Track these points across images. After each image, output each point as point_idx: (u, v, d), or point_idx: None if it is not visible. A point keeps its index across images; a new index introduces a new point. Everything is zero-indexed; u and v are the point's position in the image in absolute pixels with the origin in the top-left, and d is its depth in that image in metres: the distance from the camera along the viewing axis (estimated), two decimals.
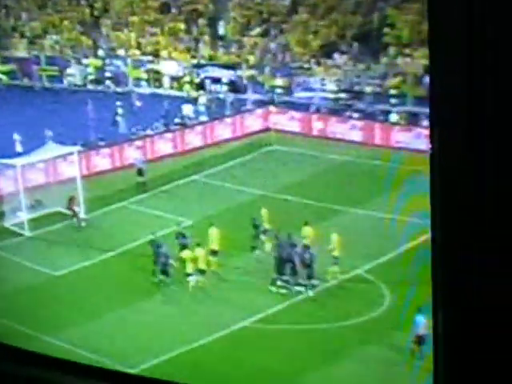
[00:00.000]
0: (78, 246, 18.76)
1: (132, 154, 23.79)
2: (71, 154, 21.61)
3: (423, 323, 13.15)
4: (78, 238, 19.26)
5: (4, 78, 30.68)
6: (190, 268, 16.38)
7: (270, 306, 15.45)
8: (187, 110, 26.54)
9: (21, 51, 31.74)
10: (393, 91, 26.51)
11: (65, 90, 29.59)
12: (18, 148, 23.92)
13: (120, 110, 26.48)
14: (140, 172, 22.36)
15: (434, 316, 3.68)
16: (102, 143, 24.53)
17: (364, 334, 14.39)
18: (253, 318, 15.18)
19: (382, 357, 13.66)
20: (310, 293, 15.74)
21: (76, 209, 20.22)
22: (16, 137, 24.15)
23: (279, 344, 14.46)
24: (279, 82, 28.00)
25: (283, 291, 15.91)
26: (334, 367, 13.63)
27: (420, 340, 13.18)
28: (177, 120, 26.16)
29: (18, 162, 20.74)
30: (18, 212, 20.28)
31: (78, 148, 22.08)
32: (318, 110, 26.28)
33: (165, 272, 16.67)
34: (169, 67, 29.51)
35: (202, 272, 16.47)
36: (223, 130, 25.46)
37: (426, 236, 16.21)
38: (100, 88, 29.75)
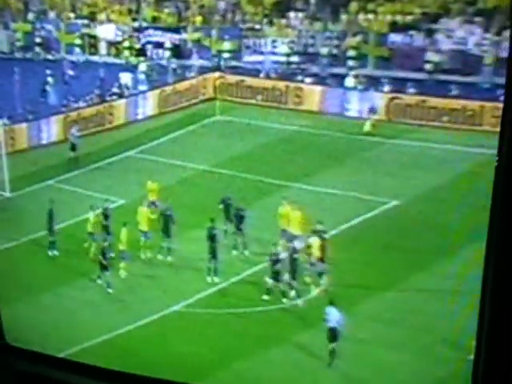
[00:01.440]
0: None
1: (63, 127, 24.10)
2: None
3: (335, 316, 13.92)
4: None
5: None
6: (119, 249, 17.12)
7: (201, 290, 16.06)
8: (125, 78, 26.71)
9: None
10: (351, 52, 26.92)
11: None
12: None
13: (50, 80, 26.50)
14: (73, 147, 22.76)
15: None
16: (30, 116, 24.58)
17: (300, 319, 15.10)
18: (183, 303, 15.86)
19: (318, 342, 14.20)
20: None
21: None
22: None
23: (210, 329, 15.14)
24: (227, 45, 28.44)
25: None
26: (268, 353, 14.26)
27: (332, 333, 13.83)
28: (114, 90, 26.35)
29: None
30: None
31: (3, 121, 22.32)
32: (268, 76, 26.79)
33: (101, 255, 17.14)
34: (106, 31, 29.46)
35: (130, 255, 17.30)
36: (164, 101, 25.83)
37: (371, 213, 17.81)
38: (28, 55, 29.58)
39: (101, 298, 16.35)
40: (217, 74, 26.55)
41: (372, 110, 23.45)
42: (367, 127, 22.77)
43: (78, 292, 16.49)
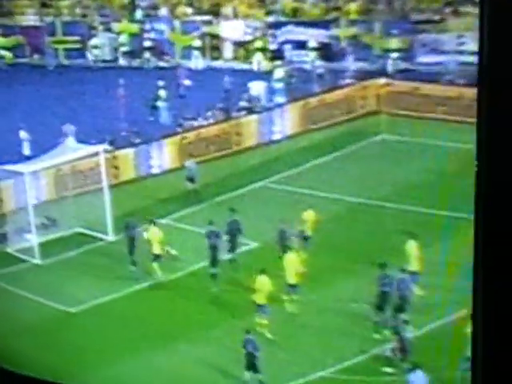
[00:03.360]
0: (101, 275, 21.10)
1: (178, 152, 25.90)
2: (95, 155, 23.59)
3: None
4: (102, 265, 21.65)
5: (7, 54, 33.14)
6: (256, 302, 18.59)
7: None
8: (257, 88, 28.05)
9: (29, 17, 34.35)
10: None
11: (88, 68, 31.82)
12: (26, 149, 26.40)
13: (162, 93, 28.32)
14: (190, 177, 24.41)
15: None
16: (137, 140, 26.56)
17: None
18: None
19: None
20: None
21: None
22: (23, 135, 26.63)
23: None
24: (395, 42, 29.66)
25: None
26: None
27: None
28: (242, 104, 27.73)
29: (25, 167, 22.72)
30: (26, 234, 22.65)
31: (104, 147, 24.17)
32: (451, 81, 27.57)
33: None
34: (232, 29, 31.14)
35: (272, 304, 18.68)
36: (308, 116, 26.84)
37: None
38: (136, 63, 31.64)
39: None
40: (381, 81, 27.57)
41: None
42: None
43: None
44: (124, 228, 21.73)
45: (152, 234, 20.91)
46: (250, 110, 27.79)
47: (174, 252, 20.94)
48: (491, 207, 5.69)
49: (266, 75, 28.88)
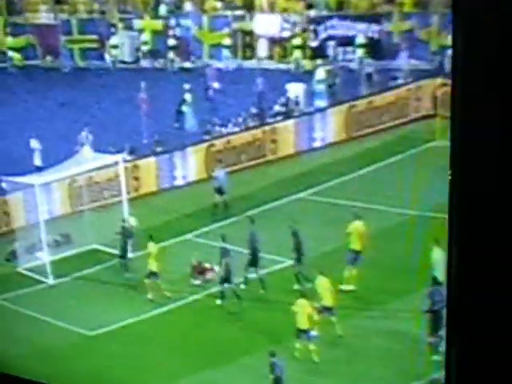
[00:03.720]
0: (122, 295, 21.42)
1: (205, 161, 25.81)
2: (114, 165, 23.85)
3: None
4: (121, 284, 21.89)
5: (16, 56, 32.57)
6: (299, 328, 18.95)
7: None
8: (295, 90, 27.52)
9: (42, 15, 33.76)
10: None
11: (106, 69, 31.29)
12: (37, 159, 26.27)
13: (188, 96, 28.05)
14: (219, 188, 24.24)
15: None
16: (159, 148, 26.38)
17: None
18: None
19: None
20: None
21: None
22: (34, 143, 26.52)
23: None
24: None
25: None
26: None
27: None
28: (277, 108, 27.34)
29: (36, 179, 23.02)
30: (37, 251, 22.94)
31: (124, 156, 24.33)
32: None
33: None
34: (268, 25, 30.49)
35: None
36: (354, 121, 26.47)
37: None
38: (159, 64, 31.20)
39: None
40: (438, 81, 26.54)
41: None
42: None
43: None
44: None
45: (150, 250, 21.83)
46: (287, 115, 27.33)
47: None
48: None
49: (306, 76, 28.29)
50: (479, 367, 7.34)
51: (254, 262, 21.27)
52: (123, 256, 22.66)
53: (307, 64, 29.42)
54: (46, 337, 20.65)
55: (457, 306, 7.12)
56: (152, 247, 21.89)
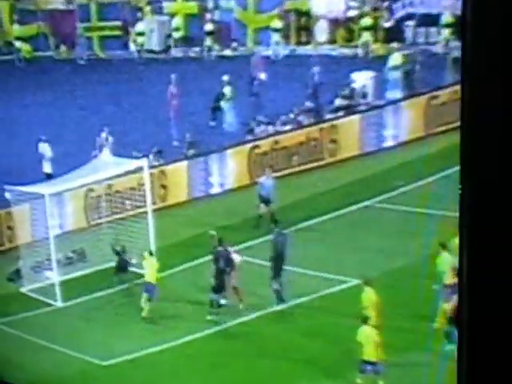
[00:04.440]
0: (141, 321, 20.94)
1: (248, 166, 24.83)
2: (138, 171, 23.11)
3: None
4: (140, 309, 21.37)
5: (24, 47, 32.00)
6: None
7: None
8: (362, 80, 26.12)
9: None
10: None
11: (130, 61, 30.37)
12: (47, 166, 25.48)
13: (228, 90, 26.76)
14: (265, 198, 23.21)
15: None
16: (190, 151, 25.38)
17: None
18: None
19: None
20: None
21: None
22: (44, 148, 25.61)
23: None
24: None
25: None
26: None
27: None
28: (339, 101, 25.89)
29: (45, 188, 22.44)
30: (45, 270, 22.59)
31: (149, 161, 23.74)
32: None
33: None
34: (328, 3, 29.23)
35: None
36: (434, 115, 24.52)
37: None
38: (193, 53, 30.12)
39: None
40: None
41: None
42: None
43: None
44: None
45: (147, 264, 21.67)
46: (351, 110, 25.96)
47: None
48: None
49: (377, 62, 26.84)
50: (491, 361, 7.25)
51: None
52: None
53: (379, 48, 27.94)
54: (52, 365, 20.27)
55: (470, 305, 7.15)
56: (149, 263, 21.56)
